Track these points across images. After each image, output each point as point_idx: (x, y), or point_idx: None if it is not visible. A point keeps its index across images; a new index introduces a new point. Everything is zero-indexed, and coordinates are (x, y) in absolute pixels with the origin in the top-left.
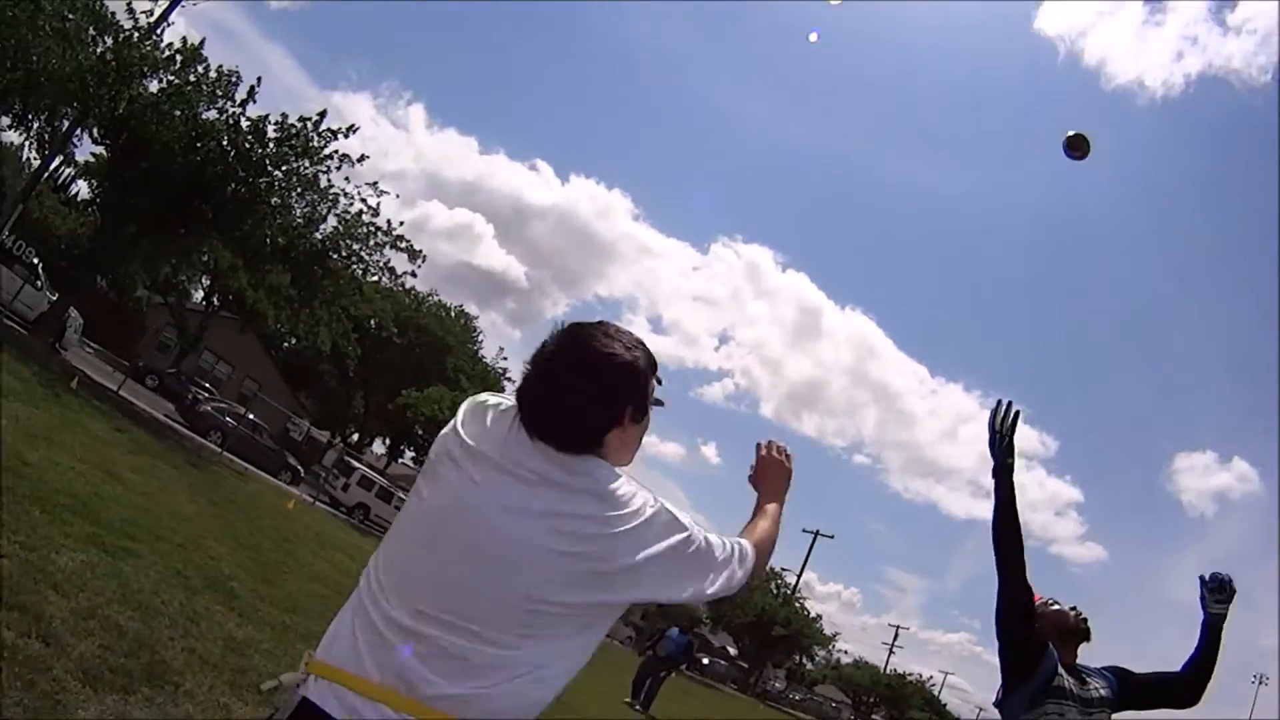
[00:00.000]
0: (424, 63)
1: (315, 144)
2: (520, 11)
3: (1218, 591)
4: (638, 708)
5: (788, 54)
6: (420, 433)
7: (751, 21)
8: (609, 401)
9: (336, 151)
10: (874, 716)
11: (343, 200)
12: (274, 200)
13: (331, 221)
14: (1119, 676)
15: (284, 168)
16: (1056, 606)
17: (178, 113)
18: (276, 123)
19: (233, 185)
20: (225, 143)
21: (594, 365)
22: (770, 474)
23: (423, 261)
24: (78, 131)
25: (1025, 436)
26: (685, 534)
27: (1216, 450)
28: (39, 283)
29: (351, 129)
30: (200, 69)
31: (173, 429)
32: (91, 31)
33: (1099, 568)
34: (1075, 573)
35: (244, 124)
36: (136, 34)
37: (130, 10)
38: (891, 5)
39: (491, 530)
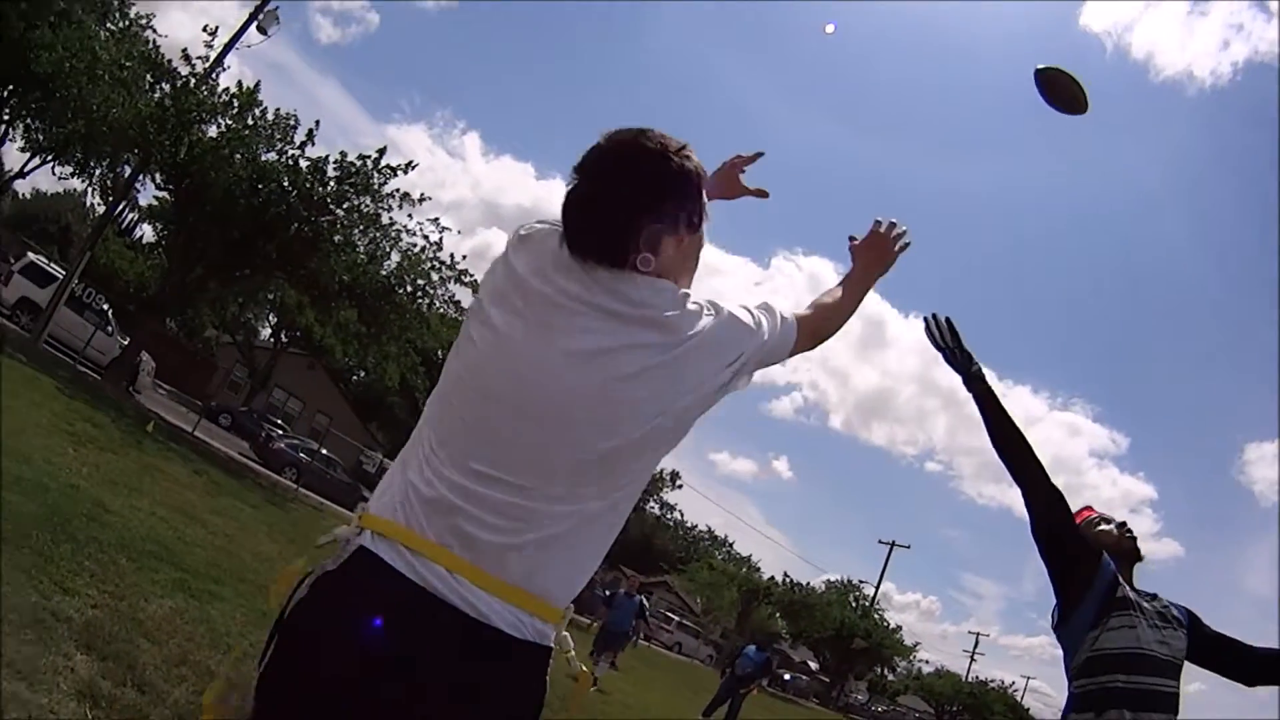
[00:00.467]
0: (476, 92)
1: (375, 182)
2: (570, 37)
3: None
4: None
5: (834, 66)
6: None
7: (799, 37)
8: (661, 200)
9: (397, 190)
10: None
11: (405, 236)
12: (337, 238)
13: (395, 257)
14: (1191, 619)
15: (345, 205)
16: (1102, 527)
17: (237, 156)
18: (336, 161)
19: (295, 225)
20: (286, 183)
21: (643, 161)
22: (873, 251)
23: None
24: (140, 177)
25: (1095, 435)
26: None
27: None
28: (110, 328)
29: (410, 165)
30: (258, 112)
31: (249, 467)
32: (149, 78)
33: (1175, 564)
34: (1152, 570)
35: (303, 165)
36: (193, 80)
37: (186, 56)
38: (932, 12)
39: (541, 380)
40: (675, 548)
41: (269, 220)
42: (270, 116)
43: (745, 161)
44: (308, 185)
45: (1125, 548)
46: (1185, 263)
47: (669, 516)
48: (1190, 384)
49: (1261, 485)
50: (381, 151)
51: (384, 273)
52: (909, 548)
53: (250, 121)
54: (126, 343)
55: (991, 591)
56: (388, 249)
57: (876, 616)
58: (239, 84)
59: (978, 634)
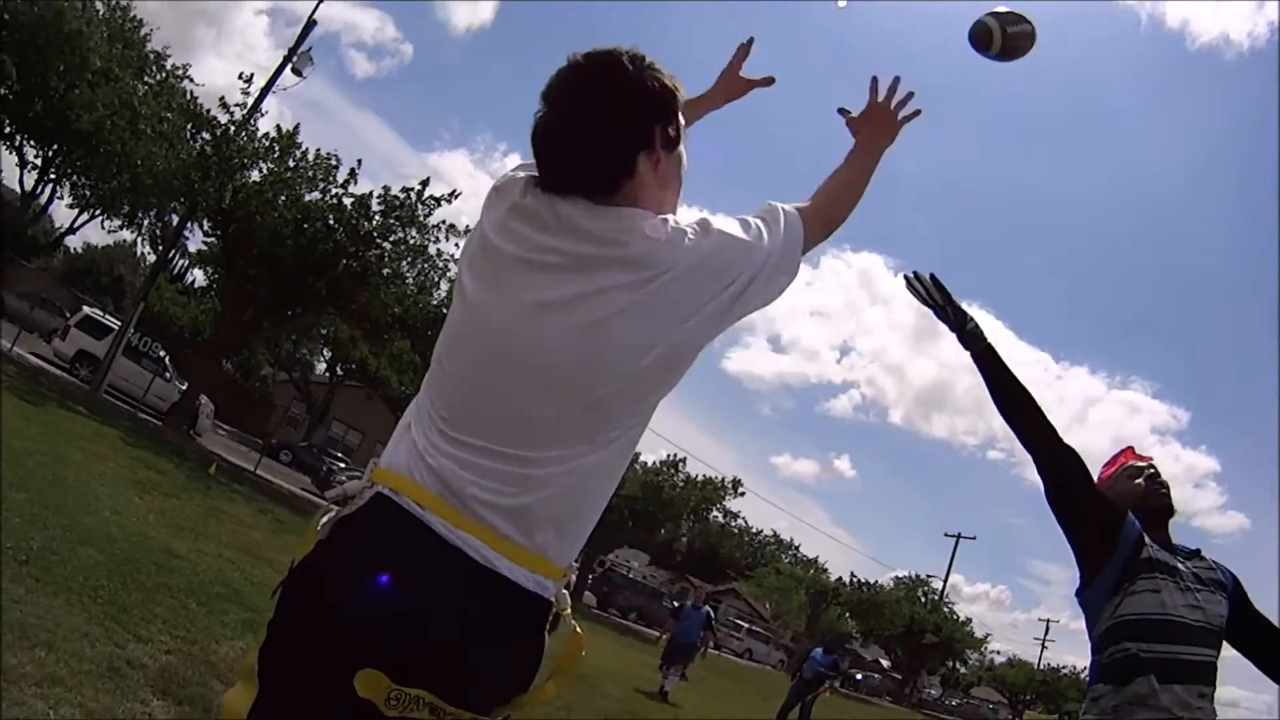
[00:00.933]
0: (514, 112)
1: (420, 213)
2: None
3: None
4: None
5: (875, 57)
6: None
7: (825, 31)
8: (630, 115)
9: (443, 221)
10: (1028, 712)
11: (453, 265)
12: (385, 271)
13: (444, 286)
14: (1237, 594)
15: (391, 239)
16: (1132, 480)
17: (281, 198)
18: (379, 196)
19: (344, 261)
20: (331, 221)
21: (606, 77)
22: (875, 123)
23: None
24: (187, 225)
25: (1155, 411)
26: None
27: None
28: (168, 374)
29: (453, 194)
30: (298, 154)
31: (311, 502)
32: (189, 129)
33: (1241, 536)
34: (1219, 544)
35: (347, 203)
36: (232, 127)
37: (223, 103)
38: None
39: (513, 342)
40: (741, 554)
41: (317, 258)
42: (311, 157)
43: (741, 56)
44: (353, 222)
45: (1153, 504)
46: (1237, 230)
47: (733, 524)
48: (1246, 353)
49: None
50: (424, 183)
51: (434, 302)
52: (975, 539)
53: (291, 164)
54: (185, 387)
55: (1059, 576)
56: (436, 279)
57: (946, 610)
58: (278, 128)
59: (1048, 620)
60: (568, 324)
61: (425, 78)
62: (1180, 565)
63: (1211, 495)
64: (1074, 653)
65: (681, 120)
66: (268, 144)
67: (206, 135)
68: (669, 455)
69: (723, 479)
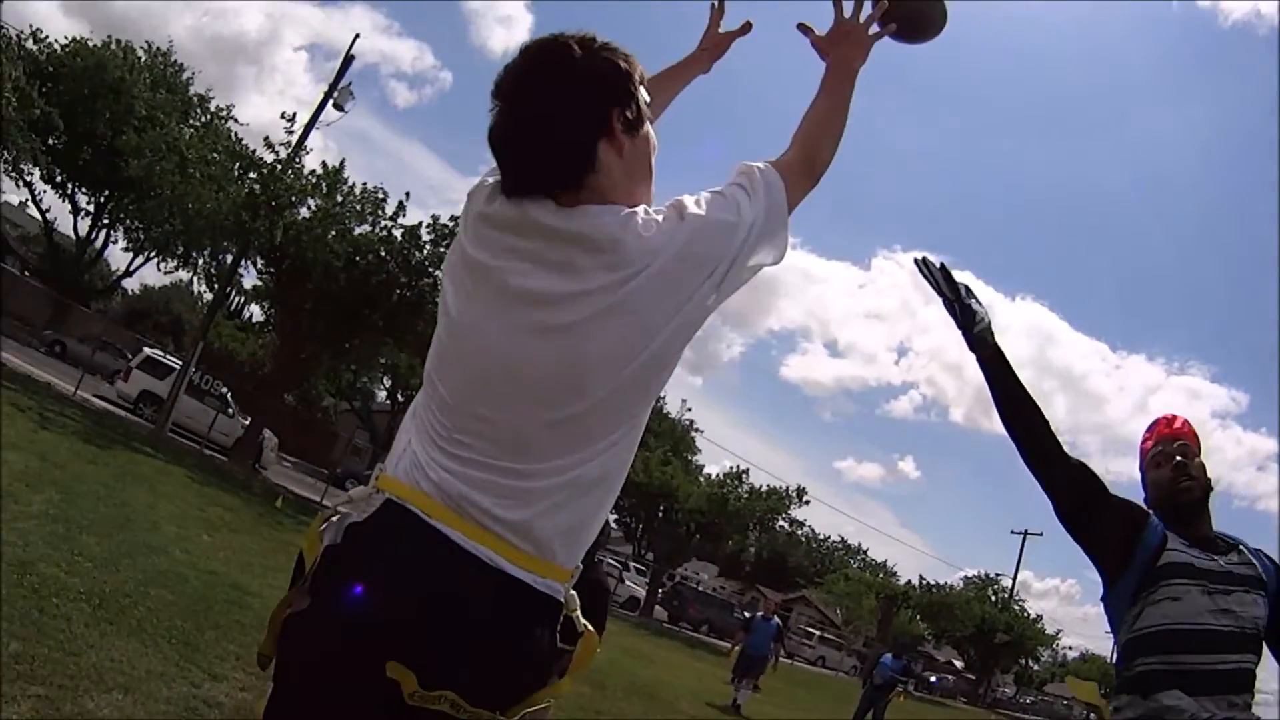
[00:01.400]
0: None
1: None
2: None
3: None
4: None
5: (914, 61)
6: None
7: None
8: (584, 102)
9: None
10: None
11: None
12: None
13: None
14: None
15: (444, 265)
16: (1158, 470)
17: (331, 233)
18: (429, 225)
19: (398, 291)
20: (383, 253)
21: (554, 65)
22: (845, 44)
23: None
24: (241, 263)
25: (1215, 396)
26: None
27: None
28: (230, 410)
29: None
30: (345, 189)
31: None
32: (236, 169)
33: None
34: None
35: (397, 234)
36: (279, 165)
37: (268, 143)
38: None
39: (493, 359)
40: (809, 562)
41: (371, 290)
42: (358, 191)
43: (719, 14)
44: (404, 252)
45: (1178, 500)
46: None
47: (800, 532)
48: None
49: None
50: None
51: None
52: (1041, 535)
53: (339, 199)
54: (248, 422)
55: None
56: None
57: (1016, 608)
58: (324, 164)
59: None
60: (548, 335)
61: (467, 103)
62: (1210, 565)
63: (1274, 478)
64: None
65: (643, 100)
66: (314, 180)
67: (254, 175)
68: (733, 467)
69: (787, 488)
